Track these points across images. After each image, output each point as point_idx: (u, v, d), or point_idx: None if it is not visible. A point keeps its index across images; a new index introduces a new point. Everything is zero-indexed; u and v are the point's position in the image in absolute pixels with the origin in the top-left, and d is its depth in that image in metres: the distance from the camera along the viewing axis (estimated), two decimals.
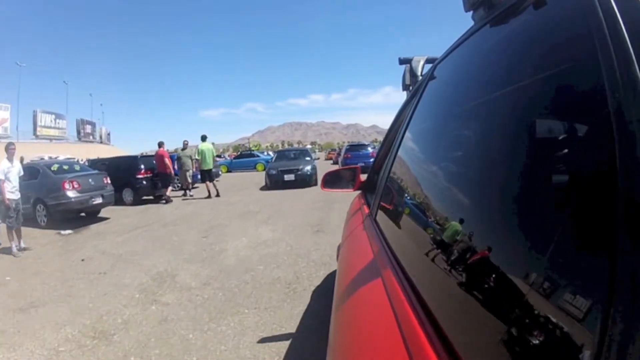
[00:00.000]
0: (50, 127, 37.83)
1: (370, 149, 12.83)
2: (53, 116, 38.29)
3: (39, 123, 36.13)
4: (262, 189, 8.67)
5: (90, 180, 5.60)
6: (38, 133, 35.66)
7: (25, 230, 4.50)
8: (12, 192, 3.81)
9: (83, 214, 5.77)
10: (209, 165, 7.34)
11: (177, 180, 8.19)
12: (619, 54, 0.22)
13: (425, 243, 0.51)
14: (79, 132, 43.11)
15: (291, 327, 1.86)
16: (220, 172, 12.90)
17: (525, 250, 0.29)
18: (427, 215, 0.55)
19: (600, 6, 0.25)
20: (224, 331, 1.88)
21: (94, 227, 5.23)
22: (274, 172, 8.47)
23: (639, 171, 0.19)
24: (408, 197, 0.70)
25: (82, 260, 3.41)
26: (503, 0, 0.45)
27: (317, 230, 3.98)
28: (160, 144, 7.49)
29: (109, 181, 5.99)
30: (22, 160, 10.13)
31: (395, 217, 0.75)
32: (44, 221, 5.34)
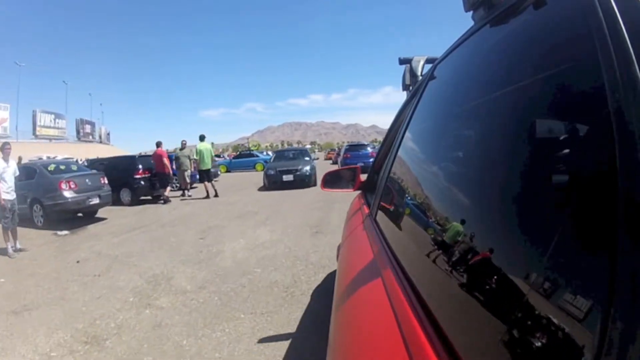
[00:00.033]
0: (49, 127, 37.79)
1: (369, 149, 12.81)
2: (52, 116, 38.25)
3: (38, 123, 36.09)
4: (261, 189, 8.54)
5: (87, 180, 5.55)
6: (37, 133, 35.62)
7: (21, 230, 4.46)
8: (8, 193, 3.78)
9: (80, 214, 5.72)
10: (208, 165, 7.30)
11: (176, 180, 8.14)
12: (619, 54, 0.22)
13: (425, 243, 0.51)
14: (78, 132, 43.06)
15: (288, 334, 1.82)
16: (219, 172, 12.83)
17: (525, 250, 0.29)
18: (427, 215, 0.55)
19: (600, 6, 0.25)
20: (218, 337, 1.84)
21: (90, 227, 5.19)
22: (272, 172, 8.35)
23: (639, 171, 0.19)
24: (408, 197, 0.70)
25: (78, 261, 3.38)
26: (503, 0, 0.45)
27: (316, 232, 3.93)
28: (159, 144, 7.39)
29: (106, 181, 5.94)
30: (20, 160, 10.09)
31: (395, 217, 0.75)
32: (40, 221, 5.29)
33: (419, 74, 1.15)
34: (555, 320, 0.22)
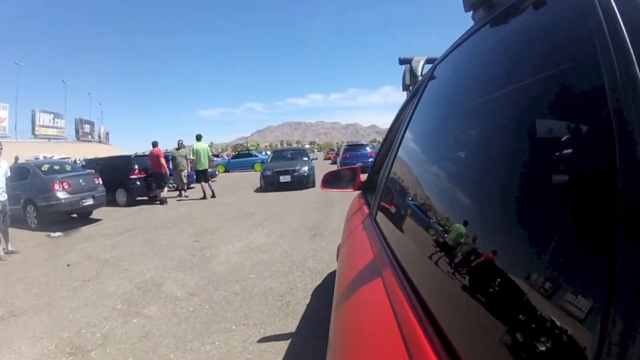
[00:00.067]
0: (48, 127, 37.74)
1: (368, 149, 12.79)
2: (51, 115, 38.21)
3: (37, 122, 36.04)
4: (259, 189, 8.36)
5: (81, 180, 5.44)
6: (36, 132, 35.58)
7: (15, 232, 4.37)
8: None
9: (74, 215, 5.64)
10: (204, 165, 7.18)
11: (172, 180, 8.03)
12: (619, 54, 0.22)
13: (426, 243, 0.51)
14: (77, 132, 43.01)
15: (281, 347, 1.73)
16: (217, 172, 12.69)
17: (525, 250, 0.29)
18: (427, 215, 0.55)
19: (600, 6, 0.25)
20: (208, 351, 1.75)
21: (84, 229, 5.08)
22: (269, 173, 8.05)
23: (639, 171, 0.19)
24: (408, 197, 0.70)
25: (68, 265, 3.30)
26: (503, 0, 0.45)
27: (314, 235, 3.82)
28: (155, 144, 7.27)
29: (101, 182, 5.83)
30: (16, 159, 9.98)
31: (395, 217, 0.75)
32: (34, 223, 5.19)
33: (419, 74, 1.15)
34: (555, 320, 0.22)
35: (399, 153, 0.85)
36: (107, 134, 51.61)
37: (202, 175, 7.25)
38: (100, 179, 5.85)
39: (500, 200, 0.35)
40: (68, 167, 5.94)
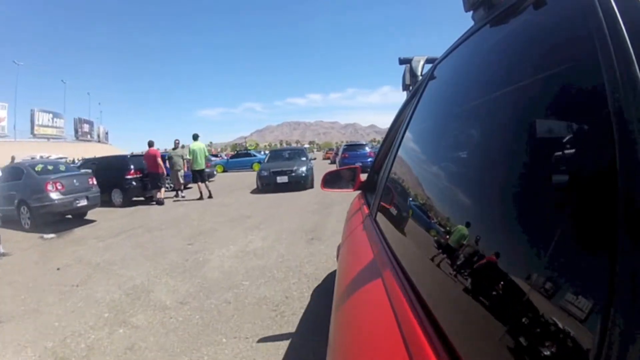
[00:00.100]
0: (47, 126, 37.70)
1: (367, 149, 12.78)
2: (51, 115, 38.18)
3: (36, 122, 36.01)
4: (257, 190, 8.16)
5: (74, 181, 5.31)
6: (35, 132, 35.55)
7: (8, 233, 4.31)
8: None
9: (69, 216, 5.53)
10: (201, 165, 7.07)
11: (169, 181, 7.91)
12: (619, 54, 0.22)
13: (426, 243, 0.51)
14: (76, 131, 42.98)
15: None
16: (215, 172, 12.55)
17: (525, 250, 0.29)
18: (427, 215, 0.55)
19: (600, 6, 0.25)
20: None
21: (78, 230, 4.98)
22: (265, 173, 7.77)
23: (639, 171, 0.19)
24: (408, 197, 0.71)
25: (58, 269, 3.23)
26: (503, 0, 0.45)
27: (312, 238, 3.69)
28: (151, 144, 7.10)
29: (95, 182, 5.71)
30: (13, 159, 9.89)
31: (395, 217, 0.75)
32: (27, 224, 5.09)
33: (419, 74, 1.15)
34: (555, 320, 0.22)
35: (399, 153, 0.85)
36: (107, 133, 51.55)
37: (199, 176, 7.15)
38: (94, 180, 5.75)
39: (500, 200, 0.35)
40: (62, 167, 5.81)
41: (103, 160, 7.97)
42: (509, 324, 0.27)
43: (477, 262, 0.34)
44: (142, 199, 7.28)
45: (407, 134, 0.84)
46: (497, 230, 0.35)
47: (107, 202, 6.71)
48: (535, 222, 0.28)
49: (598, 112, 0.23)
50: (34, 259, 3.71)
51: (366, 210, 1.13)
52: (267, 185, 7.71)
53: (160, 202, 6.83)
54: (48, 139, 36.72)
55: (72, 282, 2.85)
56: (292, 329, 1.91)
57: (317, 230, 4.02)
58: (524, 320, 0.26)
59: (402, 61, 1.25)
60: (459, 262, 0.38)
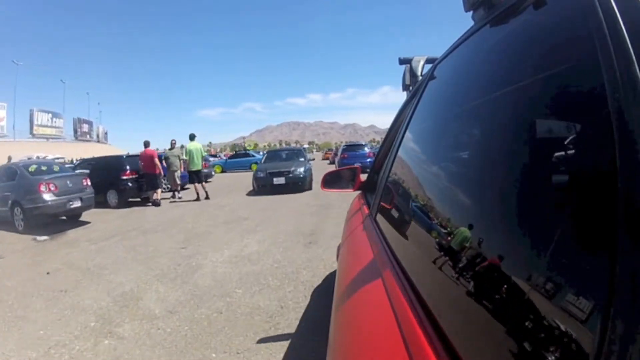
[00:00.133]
0: (47, 126, 37.66)
1: (367, 149, 12.76)
2: (50, 115, 38.14)
3: (35, 122, 35.97)
4: (254, 191, 8.00)
5: (68, 182, 5.20)
6: (35, 132, 35.52)
7: (2, 235, 4.25)
8: None
9: (64, 217, 5.43)
10: (198, 165, 6.95)
11: (166, 181, 7.80)
12: (619, 54, 0.22)
13: (426, 243, 0.51)
14: (75, 131, 42.94)
15: None
16: (213, 173, 12.39)
17: (525, 250, 0.29)
18: (427, 215, 0.55)
19: (600, 6, 0.25)
20: None
21: (71, 232, 4.88)
22: (261, 174, 7.51)
23: (639, 171, 0.19)
24: (408, 198, 0.71)
25: (48, 273, 3.17)
26: (503, 0, 0.45)
27: (310, 242, 3.56)
28: (147, 144, 6.98)
29: (89, 183, 5.61)
30: (9, 159, 9.80)
31: (395, 217, 0.75)
32: (21, 225, 4.99)
33: (419, 74, 1.15)
34: (555, 321, 0.22)
35: (399, 153, 0.85)
36: (106, 133, 51.51)
37: (196, 176, 7.03)
38: (88, 180, 5.65)
39: (500, 200, 0.35)
40: (56, 168, 5.69)
41: (99, 161, 7.84)
42: (508, 324, 0.27)
43: (477, 262, 0.34)
44: (138, 199, 7.19)
45: (407, 134, 0.84)
46: (498, 231, 0.35)
47: (102, 203, 6.63)
48: (535, 222, 0.28)
49: (598, 112, 0.23)
50: (25, 261, 3.65)
51: (366, 211, 1.13)
52: (263, 186, 7.48)
53: (156, 203, 6.72)
54: (47, 139, 36.68)
55: (60, 288, 2.79)
56: (286, 344, 1.81)
57: (315, 234, 3.91)
58: (523, 320, 0.26)
59: (402, 61, 1.25)
60: (459, 262, 0.38)
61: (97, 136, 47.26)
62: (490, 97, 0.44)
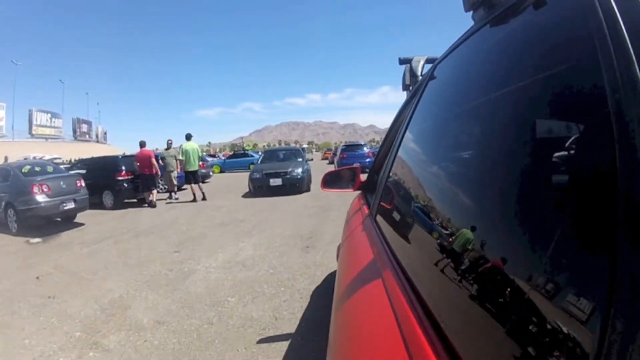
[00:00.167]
0: (45, 126, 37.61)
1: (366, 149, 12.73)
2: (49, 115, 38.09)
3: (34, 122, 35.92)
4: (251, 192, 7.82)
5: (61, 183, 5.08)
6: (34, 132, 35.47)
7: None
8: None
9: (59, 219, 5.33)
10: (194, 166, 6.81)
11: (162, 182, 7.65)
12: (619, 54, 0.22)
13: (426, 243, 0.51)
14: (74, 131, 42.90)
15: None
16: (211, 173, 12.20)
17: (525, 250, 0.29)
18: (427, 215, 0.55)
19: (600, 6, 0.25)
20: None
21: (64, 235, 4.82)
22: (257, 175, 7.21)
23: (639, 171, 0.19)
24: (408, 198, 0.71)
25: (37, 278, 3.09)
26: (503, 0, 0.45)
27: (307, 246, 3.44)
28: (143, 144, 6.81)
29: (83, 184, 5.49)
30: (6, 159, 9.67)
31: (395, 217, 0.75)
32: (14, 227, 4.90)
33: (419, 74, 1.15)
34: (555, 321, 0.22)
35: (399, 153, 0.85)
36: (105, 133, 51.45)
37: (192, 177, 6.90)
38: (82, 182, 5.53)
39: (500, 200, 0.35)
40: (50, 169, 5.58)
41: (94, 161, 7.70)
42: (508, 324, 0.27)
43: (477, 263, 0.34)
44: (134, 200, 7.06)
45: (407, 134, 0.84)
46: (498, 231, 0.35)
47: (98, 204, 6.53)
48: (535, 222, 0.28)
49: (598, 112, 0.23)
50: (16, 264, 3.57)
51: (366, 211, 1.13)
52: (259, 188, 7.23)
53: (152, 205, 6.59)
54: (46, 139, 36.62)
55: (48, 293, 2.72)
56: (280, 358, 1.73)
57: (313, 238, 3.77)
58: (523, 320, 0.26)
59: (402, 61, 1.25)
60: (459, 262, 0.38)
61: (97, 136, 47.21)
62: (490, 97, 0.44)
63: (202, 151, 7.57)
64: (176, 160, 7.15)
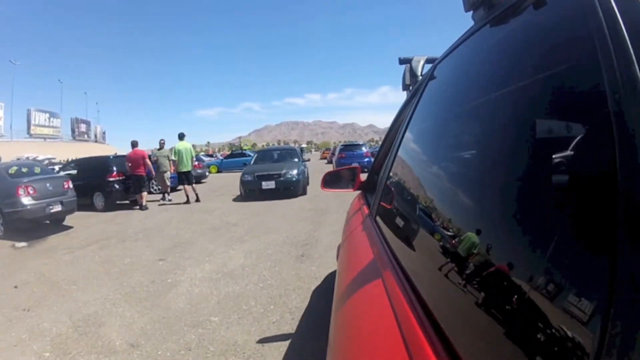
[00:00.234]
0: (44, 126, 37.51)
1: (364, 149, 12.66)
2: (47, 115, 38.00)
3: (33, 122, 35.82)
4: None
5: (48, 185, 4.90)
6: (32, 132, 35.37)
7: None
8: None
9: (47, 222, 5.18)
10: (187, 166, 6.53)
11: (155, 183, 7.48)
12: (619, 54, 0.22)
13: (426, 243, 0.51)
14: (73, 131, 42.81)
15: None
16: (207, 173, 11.98)
17: (525, 250, 0.29)
18: (427, 215, 0.55)
19: (600, 6, 0.25)
20: None
21: (51, 238, 4.67)
22: (248, 178, 6.64)
23: (639, 171, 0.19)
24: (408, 198, 0.71)
25: (15, 287, 2.96)
26: (503, 0, 0.45)
27: (302, 255, 3.21)
28: (135, 144, 6.58)
29: (71, 186, 5.30)
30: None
31: (395, 217, 0.75)
32: (1, 230, 4.72)
33: (419, 74, 1.15)
34: (555, 321, 0.22)
35: (399, 153, 0.85)
36: (104, 133, 51.33)
37: (186, 178, 6.63)
38: (70, 183, 5.35)
39: (500, 200, 0.35)
40: (37, 170, 5.35)
41: (85, 162, 7.40)
42: (508, 324, 0.27)
43: (477, 263, 0.35)
44: (127, 202, 6.85)
45: (407, 134, 0.84)
46: (497, 230, 0.35)
47: (89, 206, 6.36)
48: (535, 222, 0.28)
49: (598, 112, 0.23)
50: None
51: (366, 211, 1.13)
52: (250, 191, 6.65)
53: (143, 207, 6.36)
54: (45, 138, 36.53)
55: (24, 305, 2.59)
56: None
57: (309, 245, 3.54)
58: (523, 320, 0.26)
59: (402, 61, 1.25)
60: (458, 262, 0.38)
61: (95, 136, 47.11)
62: (490, 97, 0.45)
63: (201, 150, 7.45)
64: (169, 160, 6.88)
